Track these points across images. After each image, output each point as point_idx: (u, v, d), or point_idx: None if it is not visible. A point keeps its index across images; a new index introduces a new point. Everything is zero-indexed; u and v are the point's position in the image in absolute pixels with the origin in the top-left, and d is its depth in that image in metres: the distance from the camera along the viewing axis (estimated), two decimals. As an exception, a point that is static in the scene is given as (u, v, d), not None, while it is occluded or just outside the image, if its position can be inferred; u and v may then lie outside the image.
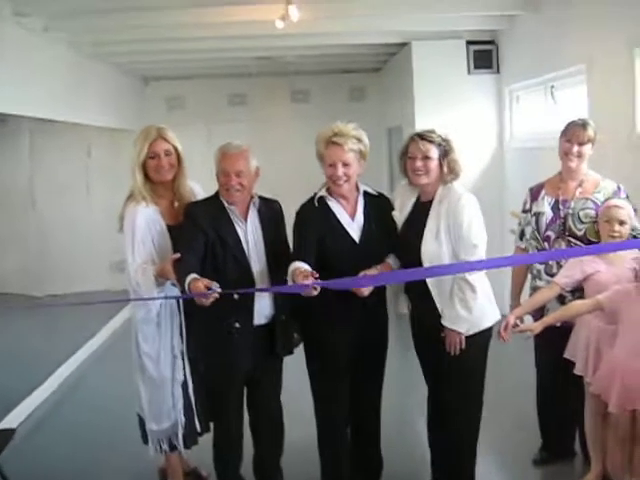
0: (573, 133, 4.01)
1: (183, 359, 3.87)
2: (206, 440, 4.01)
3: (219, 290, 3.25)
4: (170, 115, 10.15)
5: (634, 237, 3.82)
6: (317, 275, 3.35)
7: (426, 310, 3.69)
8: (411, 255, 3.64)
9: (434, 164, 3.63)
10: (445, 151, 3.65)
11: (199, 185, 4.10)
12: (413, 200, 3.81)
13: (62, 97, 7.05)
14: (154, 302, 3.77)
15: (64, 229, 10.04)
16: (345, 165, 3.61)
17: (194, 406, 3.90)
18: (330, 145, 3.63)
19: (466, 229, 3.56)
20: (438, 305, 3.63)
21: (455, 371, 3.67)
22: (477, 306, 3.60)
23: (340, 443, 3.95)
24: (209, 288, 3.23)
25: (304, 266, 3.48)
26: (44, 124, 8.70)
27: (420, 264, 3.60)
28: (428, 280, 3.59)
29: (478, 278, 3.60)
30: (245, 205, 3.75)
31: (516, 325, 3.86)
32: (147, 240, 3.76)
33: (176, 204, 3.91)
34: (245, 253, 3.68)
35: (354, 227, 3.72)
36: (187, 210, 3.76)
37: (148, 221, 3.78)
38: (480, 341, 3.67)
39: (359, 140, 3.66)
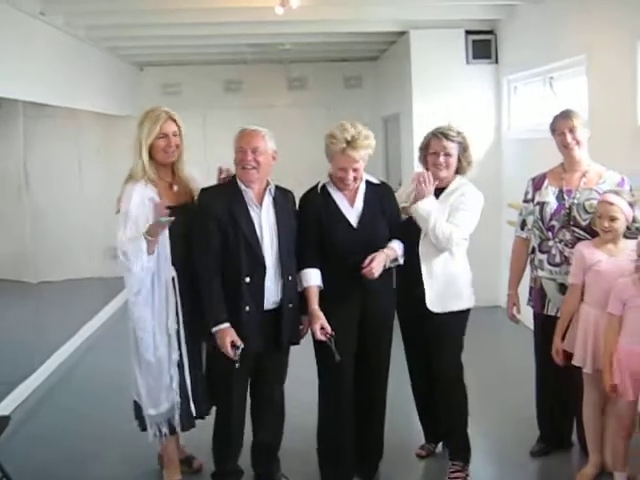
0: (560, 123, 4.06)
1: (179, 339, 3.85)
2: (206, 429, 3.98)
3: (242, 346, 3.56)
4: (165, 101, 9.79)
5: (637, 229, 3.79)
6: (333, 334, 3.66)
7: (412, 298, 3.98)
8: (414, 230, 3.93)
9: (454, 159, 4.03)
10: (464, 147, 4.04)
11: (196, 169, 4.12)
12: None
13: (56, 81, 6.98)
14: (143, 282, 3.78)
15: (57, 215, 9.94)
16: (355, 170, 3.80)
17: (189, 387, 3.88)
18: (343, 155, 3.75)
19: (460, 216, 3.93)
20: (425, 286, 3.93)
21: (436, 340, 4.04)
22: (461, 283, 4.03)
23: (342, 429, 3.94)
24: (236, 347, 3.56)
25: (316, 303, 3.74)
26: (38, 108, 8.62)
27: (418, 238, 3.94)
28: (422, 260, 3.95)
29: (462, 249, 4.03)
30: (261, 190, 3.78)
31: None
32: (141, 218, 3.73)
33: (175, 187, 3.93)
34: (257, 237, 3.69)
35: (352, 213, 3.87)
36: (200, 197, 3.80)
37: (144, 199, 3.77)
38: (457, 318, 4.03)
39: (370, 146, 3.81)
